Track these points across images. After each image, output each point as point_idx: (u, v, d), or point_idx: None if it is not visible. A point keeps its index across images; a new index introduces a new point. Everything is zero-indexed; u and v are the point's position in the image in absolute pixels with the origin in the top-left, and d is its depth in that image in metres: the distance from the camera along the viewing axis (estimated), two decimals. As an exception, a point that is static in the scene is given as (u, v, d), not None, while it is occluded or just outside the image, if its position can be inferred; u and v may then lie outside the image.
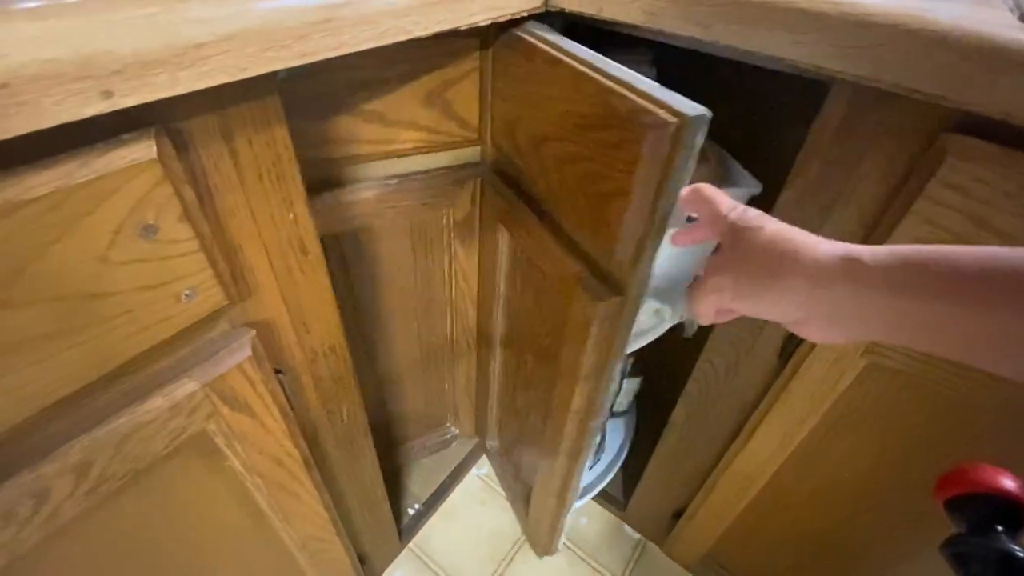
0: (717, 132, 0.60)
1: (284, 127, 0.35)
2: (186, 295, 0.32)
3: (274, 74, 0.32)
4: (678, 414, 0.70)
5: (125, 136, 0.27)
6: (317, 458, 0.54)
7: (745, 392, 0.60)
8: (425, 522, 0.95)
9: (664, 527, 0.85)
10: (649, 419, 1.02)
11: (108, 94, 0.24)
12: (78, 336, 0.29)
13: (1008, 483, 0.30)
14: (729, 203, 0.35)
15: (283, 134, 0.35)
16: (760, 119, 0.66)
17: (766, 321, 0.54)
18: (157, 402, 0.34)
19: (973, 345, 0.24)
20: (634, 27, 0.45)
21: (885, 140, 0.40)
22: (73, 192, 0.25)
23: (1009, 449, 0.45)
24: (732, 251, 0.33)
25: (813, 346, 0.50)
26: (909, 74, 0.34)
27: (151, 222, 0.29)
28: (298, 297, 0.43)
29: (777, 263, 0.30)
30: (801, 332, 0.31)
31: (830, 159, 0.43)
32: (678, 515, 0.81)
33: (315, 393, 0.50)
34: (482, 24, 0.43)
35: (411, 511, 0.95)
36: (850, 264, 0.27)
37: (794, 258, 0.29)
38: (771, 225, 0.32)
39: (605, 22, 0.47)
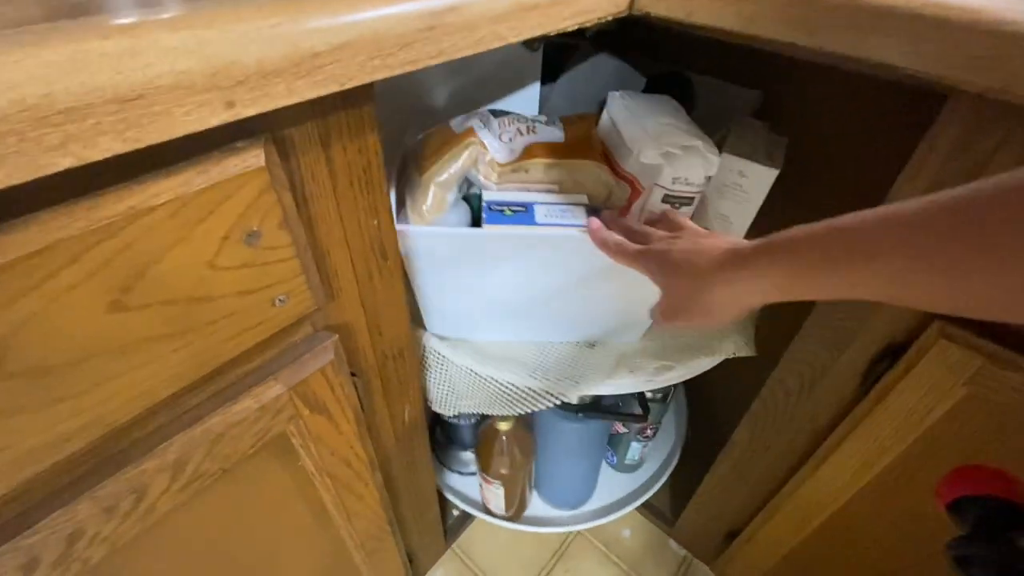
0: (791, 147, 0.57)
1: (376, 135, 0.35)
2: (280, 300, 0.33)
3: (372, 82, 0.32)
4: (741, 434, 0.67)
5: (239, 144, 0.27)
6: (379, 459, 0.54)
7: (819, 416, 0.57)
8: (469, 524, 0.96)
9: (716, 547, 0.82)
10: (700, 432, 0.99)
11: (231, 104, 0.24)
12: (183, 339, 0.29)
13: (1009, 484, 0.29)
14: (625, 248, 0.42)
15: (375, 141, 0.35)
16: (851, 130, 0.63)
17: (851, 342, 0.51)
18: (247, 403, 0.34)
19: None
20: (728, 33, 0.43)
21: (1008, 159, 0.37)
22: (191, 199, 0.26)
23: None
24: (657, 283, 0.40)
25: (905, 372, 0.47)
26: (1049, 87, 0.31)
27: (255, 228, 0.29)
28: (375, 302, 0.43)
29: (688, 284, 0.37)
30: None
31: (941, 178, 0.40)
32: (732, 535, 0.78)
33: (382, 396, 0.51)
34: (570, 30, 0.42)
35: (455, 512, 0.95)
36: (737, 259, 0.34)
37: (698, 274, 0.36)
38: (675, 248, 0.39)
39: (693, 27, 0.45)
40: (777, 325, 0.61)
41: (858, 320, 0.50)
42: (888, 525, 0.58)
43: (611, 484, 0.91)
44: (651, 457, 0.94)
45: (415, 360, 0.51)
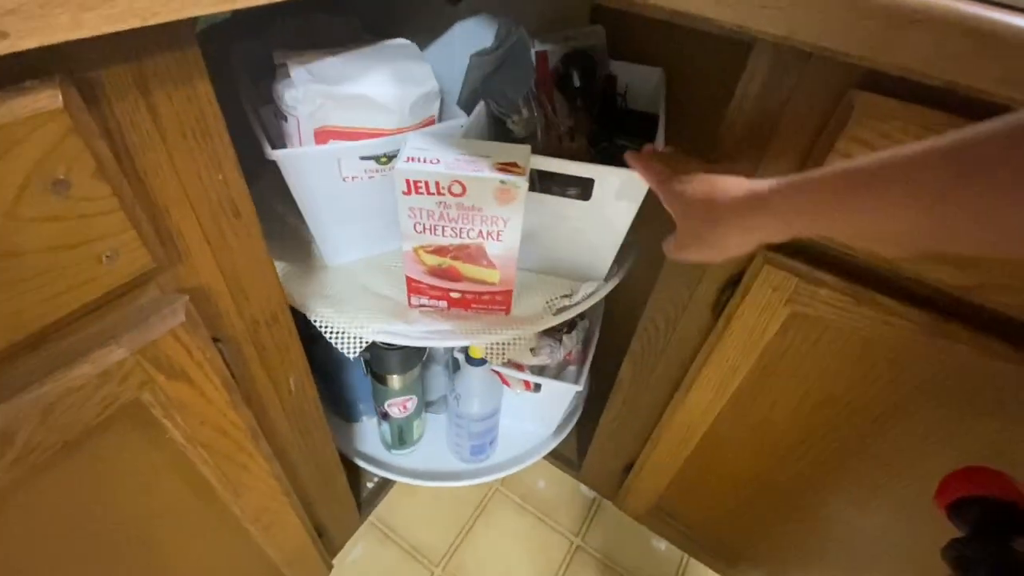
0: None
1: (207, 82, 0.34)
2: (107, 256, 0.31)
3: (193, 23, 0.31)
4: (625, 372, 0.73)
5: (27, 84, 0.26)
6: (266, 430, 0.53)
7: (684, 347, 0.64)
8: (385, 495, 0.96)
9: (615, 482, 0.89)
10: (603, 382, 1.05)
11: (4, 35, 0.22)
12: (-11, 299, 0.27)
13: (1009, 486, 0.30)
14: (657, 176, 0.44)
15: (206, 89, 0.34)
16: (687, 81, 0.68)
17: (701, 278, 0.57)
18: (84, 369, 0.33)
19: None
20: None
21: (803, 98, 0.42)
22: (-30, 141, 0.24)
23: (919, 397, 0.49)
24: (674, 216, 0.43)
25: (743, 299, 0.53)
26: (819, 33, 0.36)
27: (62, 177, 0.27)
28: (233, 263, 0.42)
29: (703, 219, 0.39)
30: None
31: (754, 119, 0.45)
32: (628, 469, 0.85)
33: (260, 364, 0.50)
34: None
35: (370, 484, 0.95)
36: (756, 200, 0.35)
37: (715, 211, 0.38)
38: (693, 186, 0.40)
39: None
40: (651, 268, 0.67)
41: (707, 256, 0.55)
42: (746, 437, 0.66)
43: (517, 436, 0.93)
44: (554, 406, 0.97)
45: (292, 325, 0.51)
